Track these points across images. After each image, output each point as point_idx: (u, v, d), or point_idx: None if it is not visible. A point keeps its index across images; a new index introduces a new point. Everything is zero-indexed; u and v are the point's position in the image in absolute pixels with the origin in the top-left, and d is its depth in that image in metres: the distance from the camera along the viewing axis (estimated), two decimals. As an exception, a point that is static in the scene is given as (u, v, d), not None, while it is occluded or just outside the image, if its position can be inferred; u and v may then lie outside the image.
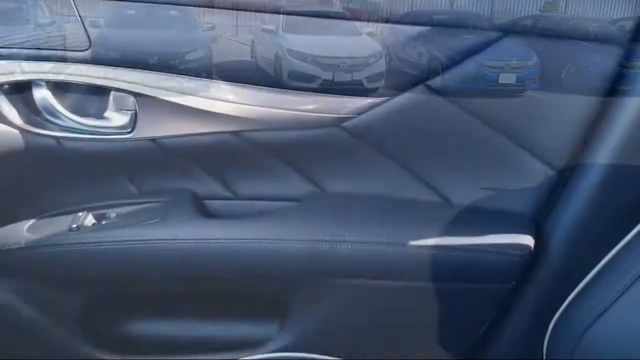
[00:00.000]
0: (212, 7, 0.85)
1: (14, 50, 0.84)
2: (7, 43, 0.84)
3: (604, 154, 0.82)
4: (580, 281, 0.82)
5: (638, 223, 0.77)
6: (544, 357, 0.85)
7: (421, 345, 0.94)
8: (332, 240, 0.87)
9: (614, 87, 0.82)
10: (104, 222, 0.91)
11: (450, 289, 0.89)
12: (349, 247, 0.87)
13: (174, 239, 0.88)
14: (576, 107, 0.84)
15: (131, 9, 0.87)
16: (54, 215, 0.93)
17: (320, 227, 0.88)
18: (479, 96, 0.87)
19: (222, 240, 0.89)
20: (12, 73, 0.84)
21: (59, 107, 0.86)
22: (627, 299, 0.74)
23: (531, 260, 0.87)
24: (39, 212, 0.94)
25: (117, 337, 0.98)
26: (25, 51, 0.84)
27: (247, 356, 0.86)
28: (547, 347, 0.85)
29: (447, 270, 0.88)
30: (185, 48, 0.87)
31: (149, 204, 0.93)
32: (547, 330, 0.85)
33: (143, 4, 0.86)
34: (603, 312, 0.76)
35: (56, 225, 0.91)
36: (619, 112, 0.81)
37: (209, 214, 0.93)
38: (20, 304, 0.94)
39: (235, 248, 0.88)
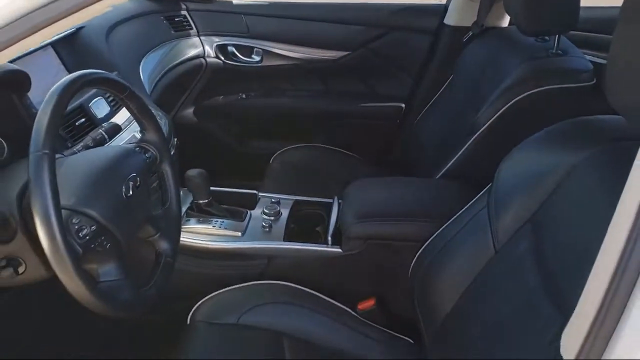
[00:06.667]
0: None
1: (224, 36, 2.22)
2: (219, 31, 2.22)
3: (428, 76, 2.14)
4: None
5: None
6: None
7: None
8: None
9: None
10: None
11: (371, 123, 2.25)
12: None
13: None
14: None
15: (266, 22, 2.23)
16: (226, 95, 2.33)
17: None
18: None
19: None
20: (218, 42, 2.22)
21: (236, 52, 2.24)
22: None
23: (403, 111, 2.22)
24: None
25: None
26: (221, 34, 2.23)
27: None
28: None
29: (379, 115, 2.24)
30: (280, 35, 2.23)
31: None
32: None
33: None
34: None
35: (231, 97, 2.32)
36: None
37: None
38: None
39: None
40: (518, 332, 0.89)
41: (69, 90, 0.87)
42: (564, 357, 0.57)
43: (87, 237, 0.86)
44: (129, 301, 0.91)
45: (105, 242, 0.90)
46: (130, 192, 0.96)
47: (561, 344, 0.58)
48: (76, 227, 0.85)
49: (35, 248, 0.88)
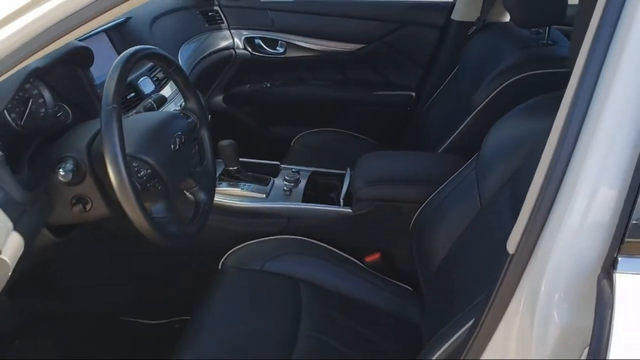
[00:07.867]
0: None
1: (251, 29, 2.43)
2: (247, 25, 2.43)
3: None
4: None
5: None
6: None
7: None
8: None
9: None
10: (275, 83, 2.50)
11: (384, 110, 2.43)
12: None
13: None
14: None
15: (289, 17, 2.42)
16: (252, 83, 2.52)
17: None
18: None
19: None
20: (247, 34, 2.42)
21: (262, 44, 2.44)
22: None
23: (413, 99, 2.39)
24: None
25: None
26: (249, 28, 2.43)
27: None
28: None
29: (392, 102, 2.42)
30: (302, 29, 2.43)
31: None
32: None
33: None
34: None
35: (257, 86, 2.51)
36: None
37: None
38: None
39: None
40: (495, 264, 1.05)
41: (131, 60, 1.07)
42: (509, 251, 0.75)
43: (144, 178, 1.06)
44: (175, 234, 1.11)
45: (157, 184, 1.09)
46: (177, 147, 1.16)
47: (507, 242, 0.76)
48: (135, 169, 1.05)
49: (100, 189, 1.08)
